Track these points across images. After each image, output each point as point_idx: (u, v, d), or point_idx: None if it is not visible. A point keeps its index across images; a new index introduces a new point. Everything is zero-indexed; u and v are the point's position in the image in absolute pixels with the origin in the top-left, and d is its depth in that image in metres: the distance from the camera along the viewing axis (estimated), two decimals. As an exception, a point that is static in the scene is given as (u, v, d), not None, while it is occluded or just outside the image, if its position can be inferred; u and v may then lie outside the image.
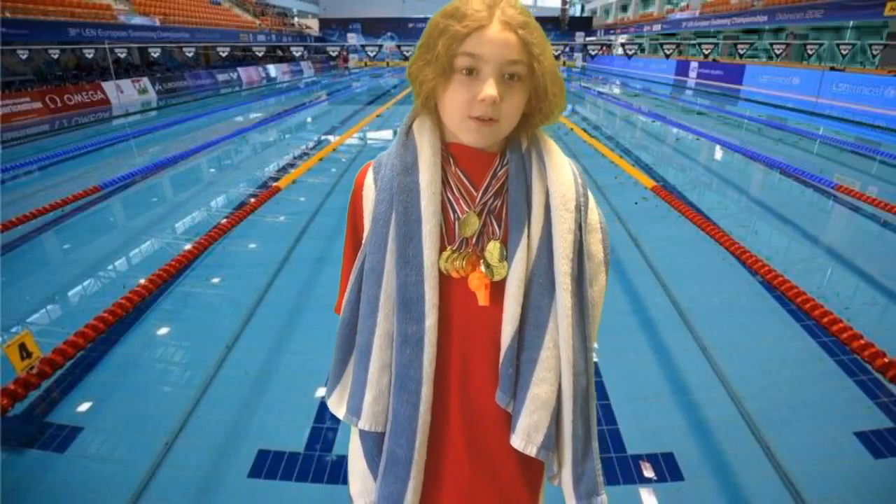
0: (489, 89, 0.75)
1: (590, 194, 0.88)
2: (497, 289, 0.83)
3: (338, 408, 0.94)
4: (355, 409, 0.88)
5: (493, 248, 0.83)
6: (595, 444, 0.88)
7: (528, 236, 0.82)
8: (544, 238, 0.83)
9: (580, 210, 0.84)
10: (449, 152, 0.85)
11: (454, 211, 0.84)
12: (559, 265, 0.81)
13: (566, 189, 0.83)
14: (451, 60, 0.76)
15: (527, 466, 0.89)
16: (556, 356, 0.83)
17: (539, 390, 0.82)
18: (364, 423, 0.87)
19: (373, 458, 0.91)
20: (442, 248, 0.83)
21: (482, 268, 0.83)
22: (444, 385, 0.85)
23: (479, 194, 0.84)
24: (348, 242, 0.93)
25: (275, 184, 5.73)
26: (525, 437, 0.83)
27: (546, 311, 0.82)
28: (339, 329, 0.91)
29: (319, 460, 2.09)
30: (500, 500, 0.88)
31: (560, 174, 0.84)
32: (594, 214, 0.88)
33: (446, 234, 0.84)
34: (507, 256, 0.83)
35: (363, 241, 0.88)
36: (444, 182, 0.84)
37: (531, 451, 0.83)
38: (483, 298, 0.82)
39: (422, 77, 0.80)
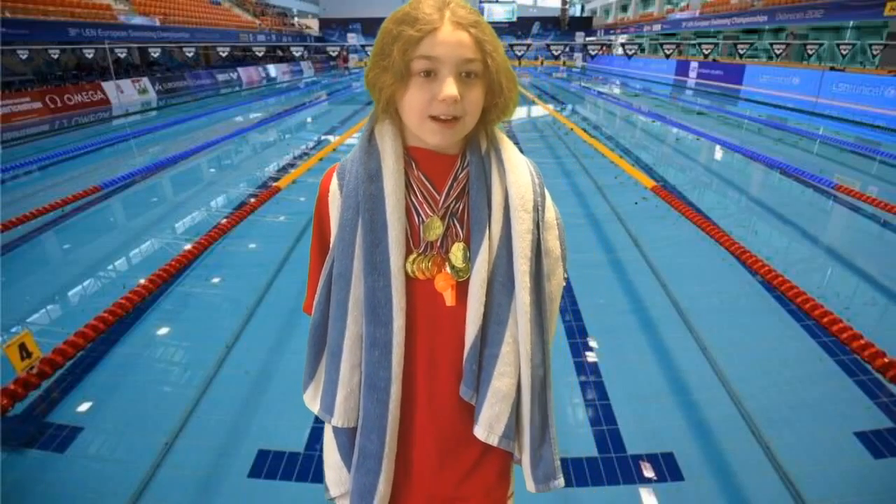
0: (449, 89, 0.77)
1: (546, 192, 0.91)
2: (461, 289, 0.86)
3: (312, 403, 0.97)
4: (328, 407, 0.91)
5: (456, 250, 0.86)
6: (553, 431, 0.92)
7: (489, 237, 0.85)
8: (504, 239, 0.86)
9: (538, 210, 0.88)
10: (411, 157, 0.88)
11: (418, 215, 0.86)
12: (518, 264, 0.85)
13: (524, 190, 0.86)
14: (408, 65, 0.78)
15: (495, 453, 0.93)
16: (515, 351, 0.87)
17: (500, 384, 0.86)
18: (337, 420, 0.91)
19: (346, 452, 0.95)
20: (408, 252, 0.86)
21: (447, 269, 0.85)
22: (411, 382, 0.88)
23: (442, 198, 0.86)
24: (315, 245, 0.96)
25: (275, 184, 5.74)
26: (487, 428, 0.88)
27: (506, 309, 0.86)
28: (310, 329, 0.94)
29: (319, 460, 2.08)
30: (471, 487, 0.93)
31: (518, 176, 0.87)
32: (551, 212, 0.92)
33: (412, 238, 0.86)
34: (470, 258, 0.86)
35: (331, 246, 0.90)
36: (408, 187, 0.86)
37: (493, 440, 0.88)
38: (450, 299, 0.85)
39: (380, 84, 0.82)
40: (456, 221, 0.87)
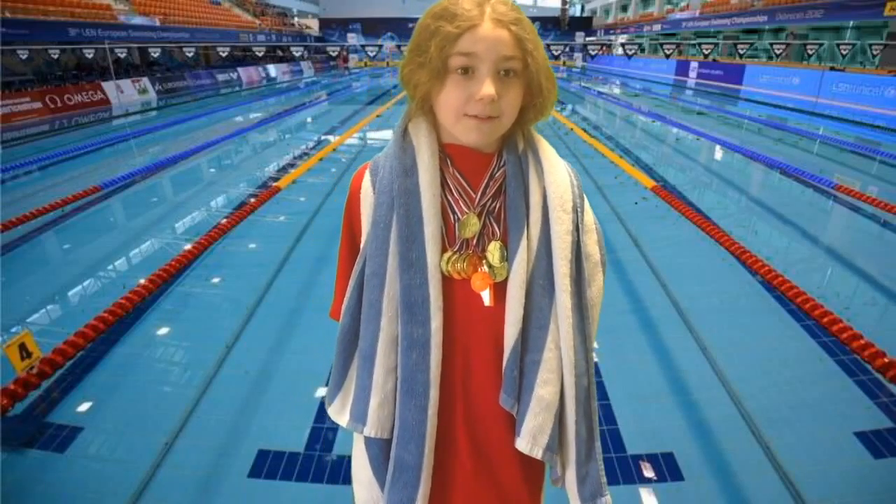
0: (487, 88, 0.75)
1: (584, 195, 0.88)
2: (499, 290, 0.83)
3: (340, 416, 0.92)
4: (360, 416, 0.86)
5: (493, 249, 0.83)
6: (598, 445, 0.87)
7: (528, 237, 0.82)
8: (543, 239, 0.83)
9: (577, 211, 0.84)
10: (446, 154, 0.85)
11: (454, 212, 0.84)
12: (558, 266, 0.82)
13: (563, 190, 0.84)
14: (445, 61, 0.76)
15: (528, 467, 0.88)
16: (557, 357, 0.83)
17: (543, 392, 0.82)
18: (370, 430, 0.85)
19: (379, 466, 0.89)
20: (443, 250, 0.83)
21: (485, 268, 0.83)
22: (448, 387, 0.84)
23: (478, 196, 0.84)
24: (344, 247, 0.92)
25: (275, 184, 5.73)
26: (531, 440, 0.82)
27: (547, 313, 0.82)
28: (339, 335, 0.89)
29: (319, 460, 2.09)
30: (502, 503, 0.88)
31: (556, 175, 0.84)
32: (589, 216, 0.89)
33: (446, 236, 0.84)
34: (507, 257, 0.83)
35: (362, 246, 0.87)
36: (443, 184, 0.84)
37: (537, 453, 0.83)
38: (489, 299, 0.82)
39: (415, 80, 0.80)
40: (492, 220, 0.84)
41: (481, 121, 0.77)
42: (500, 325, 0.83)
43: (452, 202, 0.84)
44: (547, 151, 0.87)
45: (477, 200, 0.83)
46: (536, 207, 0.83)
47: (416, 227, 0.81)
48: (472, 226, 0.83)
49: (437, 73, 0.77)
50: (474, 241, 0.83)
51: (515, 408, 0.83)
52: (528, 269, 0.82)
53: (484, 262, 0.83)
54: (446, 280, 0.83)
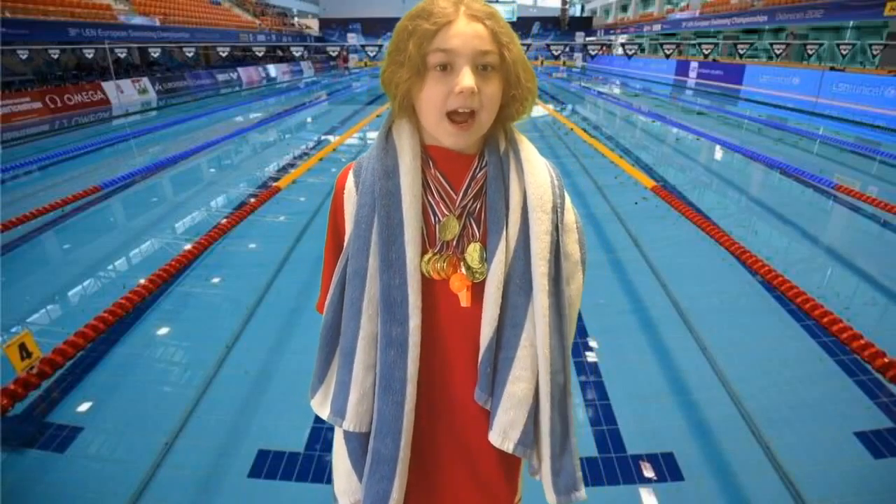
0: (466, 80, 0.76)
1: (566, 195, 0.89)
2: (477, 289, 0.85)
3: (321, 408, 0.94)
4: (339, 410, 0.88)
5: (472, 251, 0.84)
6: (573, 441, 0.89)
7: (506, 238, 0.84)
8: (521, 240, 0.84)
9: (557, 211, 0.86)
10: (428, 155, 0.86)
11: (434, 214, 0.85)
12: (536, 266, 0.83)
13: (543, 191, 0.85)
14: (424, 59, 0.77)
15: (505, 459, 0.90)
16: (532, 355, 0.84)
17: (515, 388, 0.84)
18: (348, 424, 0.88)
19: (357, 458, 0.91)
20: (423, 251, 0.84)
21: (463, 269, 0.84)
22: (426, 384, 0.86)
23: (459, 197, 0.85)
24: (329, 244, 0.94)
25: (275, 184, 5.73)
26: (502, 434, 0.85)
27: (522, 311, 0.84)
28: (321, 331, 0.92)
29: (319, 460, 2.09)
30: (481, 494, 0.90)
31: (537, 176, 0.85)
32: (570, 215, 0.90)
33: (427, 237, 0.85)
34: (486, 258, 0.84)
35: (345, 244, 0.89)
36: (424, 185, 0.85)
37: (508, 447, 0.85)
38: (465, 300, 0.84)
39: (396, 80, 0.81)
40: (472, 221, 0.85)
41: (460, 126, 0.79)
42: (478, 324, 0.85)
43: (433, 204, 0.85)
44: (528, 151, 0.88)
45: (458, 202, 0.85)
46: (516, 208, 0.84)
47: (396, 229, 0.82)
48: (452, 228, 0.84)
49: (417, 70, 0.78)
50: (454, 243, 0.85)
51: (489, 403, 0.86)
52: (506, 269, 0.84)
53: (463, 263, 0.84)
54: (426, 280, 0.84)
